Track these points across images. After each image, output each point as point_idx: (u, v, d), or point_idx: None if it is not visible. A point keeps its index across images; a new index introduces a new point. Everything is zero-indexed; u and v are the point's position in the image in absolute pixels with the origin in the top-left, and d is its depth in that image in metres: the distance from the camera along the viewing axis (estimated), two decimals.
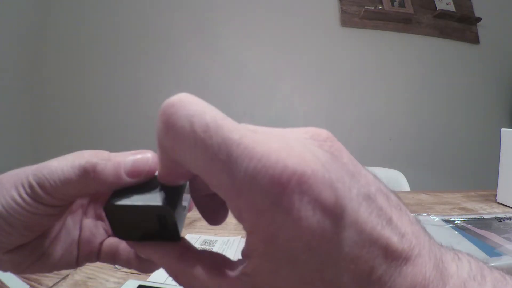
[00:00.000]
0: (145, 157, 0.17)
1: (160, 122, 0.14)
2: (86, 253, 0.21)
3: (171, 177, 0.15)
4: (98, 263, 0.25)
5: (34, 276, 0.40)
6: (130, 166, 0.16)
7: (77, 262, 0.21)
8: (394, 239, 0.12)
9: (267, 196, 0.11)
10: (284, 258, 0.11)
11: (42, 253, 0.19)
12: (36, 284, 0.39)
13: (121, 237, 0.17)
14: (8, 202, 0.16)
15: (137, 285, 0.38)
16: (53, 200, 0.17)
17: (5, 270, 0.18)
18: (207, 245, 0.50)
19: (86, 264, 0.22)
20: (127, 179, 0.16)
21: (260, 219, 0.11)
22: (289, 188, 0.11)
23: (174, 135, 0.12)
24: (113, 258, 0.21)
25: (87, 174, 0.16)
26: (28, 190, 0.16)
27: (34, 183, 0.16)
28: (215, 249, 0.50)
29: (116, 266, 0.44)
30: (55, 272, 0.43)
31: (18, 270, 0.19)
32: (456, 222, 0.40)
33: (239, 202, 0.11)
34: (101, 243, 0.22)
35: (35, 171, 0.17)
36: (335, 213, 0.11)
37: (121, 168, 0.16)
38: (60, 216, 0.18)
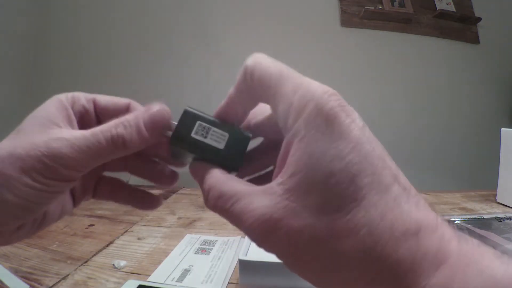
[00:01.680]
0: (160, 110, 0.20)
1: (248, 69, 0.19)
2: (82, 196, 0.22)
3: (231, 113, 0.20)
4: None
5: (34, 276, 0.40)
6: (149, 123, 0.19)
7: (74, 207, 0.22)
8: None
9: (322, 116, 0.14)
10: (321, 175, 0.13)
11: (44, 216, 0.19)
12: (36, 284, 0.39)
13: (179, 152, 0.19)
14: (22, 190, 0.15)
15: (137, 285, 0.38)
16: (74, 174, 0.17)
17: (11, 243, 0.19)
18: (207, 245, 0.50)
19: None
20: (151, 140, 0.18)
21: (314, 133, 0.13)
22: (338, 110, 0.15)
23: (259, 76, 0.18)
24: (110, 193, 0.23)
25: (117, 147, 0.17)
26: (45, 172, 0.16)
27: (52, 164, 0.16)
28: (215, 249, 0.50)
29: (115, 265, 0.44)
30: (56, 272, 0.43)
31: (23, 239, 0.19)
32: (456, 222, 0.40)
33: (299, 117, 0.14)
34: (97, 181, 0.23)
35: (48, 150, 0.16)
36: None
37: (143, 131, 0.18)
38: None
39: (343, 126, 0.14)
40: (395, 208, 0.12)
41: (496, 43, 1.90)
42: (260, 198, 0.14)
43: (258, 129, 0.20)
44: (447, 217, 0.41)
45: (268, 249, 0.13)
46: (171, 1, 1.73)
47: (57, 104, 0.21)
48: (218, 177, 0.16)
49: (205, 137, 0.18)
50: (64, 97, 0.21)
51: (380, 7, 1.75)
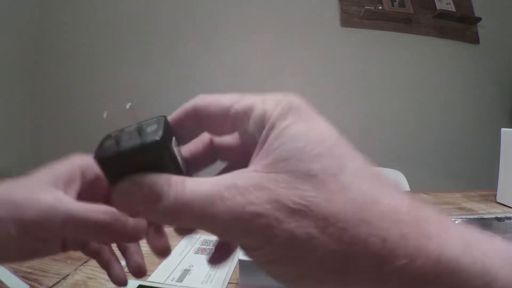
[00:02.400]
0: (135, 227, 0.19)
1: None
2: (70, 247, 0.22)
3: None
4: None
5: (34, 276, 0.40)
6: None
7: (62, 251, 0.22)
8: None
9: None
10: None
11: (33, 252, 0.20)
12: (36, 284, 0.39)
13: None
14: (3, 234, 0.17)
15: (137, 285, 0.38)
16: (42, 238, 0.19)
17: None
18: (207, 245, 0.50)
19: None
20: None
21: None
22: None
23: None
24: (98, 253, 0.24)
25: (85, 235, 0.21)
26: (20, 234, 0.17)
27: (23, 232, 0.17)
28: None
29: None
30: (56, 272, 0.43)
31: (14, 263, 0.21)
32: (456, 222, 0.40)
33: None
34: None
35: (16, 221, 0.18)
36: None
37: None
38: None
39: (311, 115, 0.15)
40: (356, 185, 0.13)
41: (496, 43, 1.90)
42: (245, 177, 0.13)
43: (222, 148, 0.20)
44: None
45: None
46: (171, 1, 1.73)
47: (68, 166, 0.22)
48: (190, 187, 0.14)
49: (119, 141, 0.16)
50: (80, 161, 0.23)
51: (380, 7, 1.75)
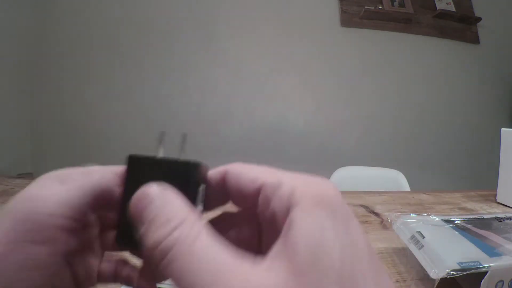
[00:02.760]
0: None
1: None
2: (85, 283, 0.18)
3: None
4: None
5: None
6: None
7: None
8: None
9: None
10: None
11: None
12: None
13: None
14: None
15: None
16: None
17: None
18: None
19: None
20: None
21: None
22: None
23: None
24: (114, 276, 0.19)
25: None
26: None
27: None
28: None
29: None
30: None
31: None
32: (456, 222, 0.40)
33: None
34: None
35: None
36: None
37: None
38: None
39: (347, 216, 0.13)
40: None
41: (496, 43, 1.90)
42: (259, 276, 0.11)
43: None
44: (447, 217, 0.41)
45: None
46: (171, 2, 1.73)
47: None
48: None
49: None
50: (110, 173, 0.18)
51: (380, 7, 1.75)
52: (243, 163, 0.17)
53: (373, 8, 1.73)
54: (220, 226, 0.16)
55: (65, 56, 1.69)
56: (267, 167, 0.16)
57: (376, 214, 0.57)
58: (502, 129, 0.66)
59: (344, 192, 0.74)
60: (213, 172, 0.17)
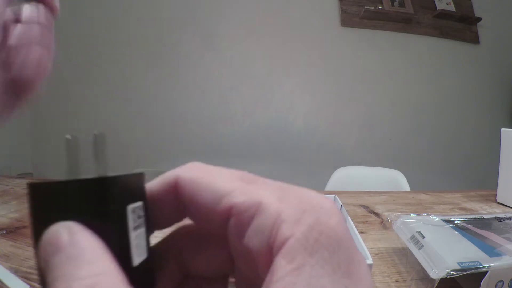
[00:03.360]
0: None
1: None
2: None
3: None
4: None
5: (34, 276, 0.40)
6: None
7: None
8: None
9: None
10: None
11: None
12: (36, 284, 0.39)
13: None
14: None
15: None
16: None
17: None
18: None
19: None
20: None
21: None
22: None
23: None
24: None
25: None
26: None
27: None
28: None
29: None
30: None
31: None
32: (456, 222, 0.40)
33: None
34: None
35: None
36: None
37: None
38: None
39: (354, 260, 0.10)
40: None
41: (496, 43, 1.90)
42: None
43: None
44: (447, 217, 0.41)
45: None
46: (171, 2, 1.73)
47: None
48: None
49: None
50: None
51: (380, 7, 1.75)
52: (200, 165, 0.13)
53: (373, 8, 1.73)
54: (178, 244, 0.13)
55: (65, 55, 1.69)
56: (235, 172, 0.12)
57: (376, 214, 0.57)
58: (502, 129, 0.66)
59: (344, 192, 0.74)
60: (158, 182, 0.13)
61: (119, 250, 0.10)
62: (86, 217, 0.10)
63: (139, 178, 0.12)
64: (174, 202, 0.12)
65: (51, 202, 0.11)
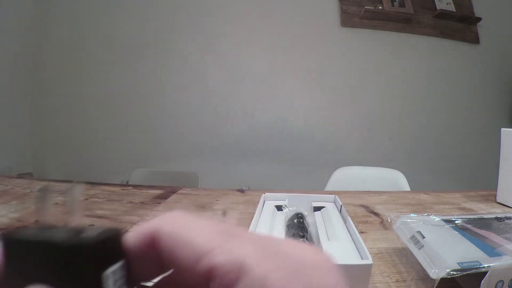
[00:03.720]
0: None
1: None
2: None
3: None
4: None
5: None
6: None
7: None
8: None
9: None
10: None
11: None
12: None
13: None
14: None
15: None
16: None
17: None
18: None
19: None
20: None
21: None
22: None
23: None
24: None
25: None
26: None
27: None
28: None
29: None
30: None
31: None
32: (456, 222, 0.40)
33: None
34: None
35: None
36: None
37: None
38: None
39: None
40: None
41: (496, 43, 1.90)
42: None
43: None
44: (447, 217, 0.41)
45: None
46: (171, 2, 1.73)
47: None
48: None
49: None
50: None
51: (380, 7, 1.75)
52: (180, 216, 0.12)
53: (373, 8, 1.73)
54: None
55: (65, 57, 1.69)
56: (214, 225, 0.11)
57: (376, 214, 0.57)
58: (502, 129, 0.66)
59: (344, 192, 0.74)
60: (137, 235, 0.12)
61: None
62: (61, 281, 0.10)
63: (116, 236, 0.12)
64: (155, 256, 0.12)
65: (26, 260, 0.11)
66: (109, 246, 0.11)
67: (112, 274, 0.11)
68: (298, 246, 0.10)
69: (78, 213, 0.12)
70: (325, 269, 0.09)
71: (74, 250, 0.10)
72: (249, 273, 0.09)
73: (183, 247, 0.11)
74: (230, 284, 0.09)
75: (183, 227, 0.11)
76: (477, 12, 1.88)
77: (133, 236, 0.12)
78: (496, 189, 0.68)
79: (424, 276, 0.32)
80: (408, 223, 0.39)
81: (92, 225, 0.10)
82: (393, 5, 1.76)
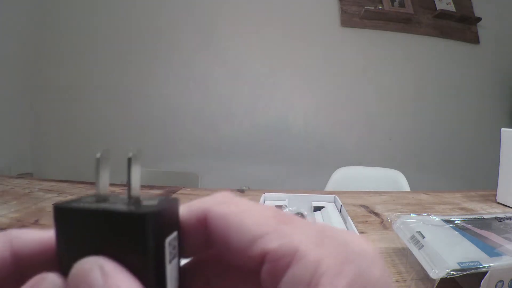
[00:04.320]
0: None
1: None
2: None
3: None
4: None
5: None
6: None
7: None
8: None
9: None
10: None
11: None
12: None
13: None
14: None
15: None
16: None
17: None
18: None
19: None
20: None
21: None
22: None
23: None
24: None
25: None
26: None
27: None
28: None
29: None
30: None
31: None
32: (456, 222, 0.40)
33: None
34: None
35: None
36: None
37: None
38: None
39: None
40: None
41: (496, 43, 1.90)
42: None
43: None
44: (447, 217, 0.41)
45: None
46: (171, 2, 1.73)
47: None
48: None
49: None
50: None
51: (380, 7, 1.75)
52: (231, 197, 0.12)
53: (373, 8, 1.73)
54: (205, 271, 0.13)
55: (65, 56, 1.69)
56: (267, 209, 0.11)
57: (376, 214, 0.57)
58: (502, 129, 0.66)
59: (344, 192, 0.74)
60: (188, 211, 0.12)
61: (156, 285, 0.10)
62: (121, 252, 0.10)
63: (175, 206, 0.12)
64: (204, 234, 0.12)
65: (81, 231, 0.10)
66: (168, 216, 0.11)
67: (169, 243, 0.11)
68: (349, 235, 0.10)
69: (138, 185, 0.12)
70: (372, 258, 0.10)
71: (138, 218, 0.10)
72: (301, 259, 0.09)
73: (236, 230, 0.11)
74: (282, 268, 0.10)
75: (236, 209, 0.11)
76: (477, 12, 1.88)
77: (185, 211, 0.12)
78: (496, 189, 0.68)
79: (424, 276, 0.32)
80: (408, 223, 0.39)
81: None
82: (393, 5, 1.76)
